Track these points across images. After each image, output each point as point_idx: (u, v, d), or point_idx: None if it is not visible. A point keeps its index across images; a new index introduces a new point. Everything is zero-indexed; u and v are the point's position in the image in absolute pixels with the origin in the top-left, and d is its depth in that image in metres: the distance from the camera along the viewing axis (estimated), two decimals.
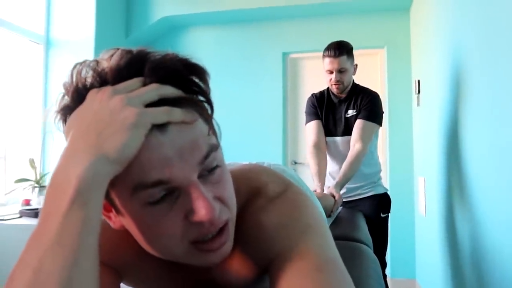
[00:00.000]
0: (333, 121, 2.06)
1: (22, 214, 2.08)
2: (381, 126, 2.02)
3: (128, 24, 3.38)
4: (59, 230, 0.37)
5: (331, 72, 1.96)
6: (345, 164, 1.90)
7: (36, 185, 2.42)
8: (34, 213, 2.04)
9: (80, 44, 2.91)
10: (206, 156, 0.45)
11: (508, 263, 1.24)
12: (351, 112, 2.00)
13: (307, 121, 2.11)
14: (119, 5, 3.27)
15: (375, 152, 2.10)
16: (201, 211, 0.43)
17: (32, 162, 2.47)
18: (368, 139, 1.94)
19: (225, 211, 0.48)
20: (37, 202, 2.34)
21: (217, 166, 0.47)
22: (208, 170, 0.46)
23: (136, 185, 0.43)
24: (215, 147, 0.47)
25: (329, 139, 2.07)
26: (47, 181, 2.53)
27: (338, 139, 2.05)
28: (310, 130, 2.07)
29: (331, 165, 2.10)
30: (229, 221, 0.49)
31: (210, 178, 0.47)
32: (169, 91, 0.44)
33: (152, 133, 0.42)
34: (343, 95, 2.03)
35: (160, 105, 0.43)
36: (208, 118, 0.47)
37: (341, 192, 2.01)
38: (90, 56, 2.87)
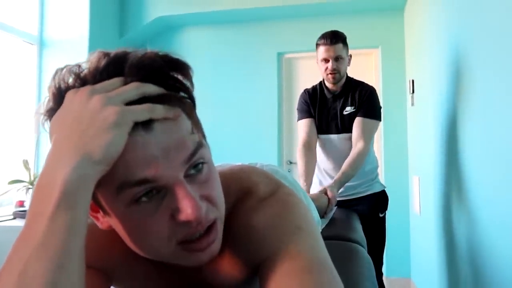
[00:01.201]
0: (327, 118, 1.98)
1: (16, 215, 2.07)
2: (381, 121, 1.97)
3: (122, 24, 3.36)
4: (45, 233, 0.37)
5: (327, 61, 1.90)
6: (346, 163, 1.83)
7: (30, 186, 2.40)
8: None
9: (74, 44, 2.89)
10: (192, 154, 0.45)
11: (503, 261, 1.25)
12: (349, 109, 1.93)
13: (299, 119, 2.06)
14: (113, 5, 3.25)
15: (371, 148, 2.03)
16: (187, 210, 0.43)
17: (25, 163, 2.45)
18: (370, 137, 1.89)
19: (213, 210, 0.47)
20: None
21: (203, 165, 0.47)
22: (195, 168, 0.46)
23: (121, 184, 0.43)
24: (201, 145, 0.47)
25: (323, 136, 2.01)
26: None
27: (334, 137, 1.98)
28: (301, 129, 2.03)
29: (326, 163, 2.04)
30: (217, 220, 0.48)
31: (197, 178, 0.46)
32: (150, 88, 0.44)
33: (137, 132, 0.42)
34: (338, 89, 1.96)
35: (142, 103, 0.43)
36: (191, 114, 0.47)
37: (340, 190, 1.97)
38: (84, 56, 2.83)
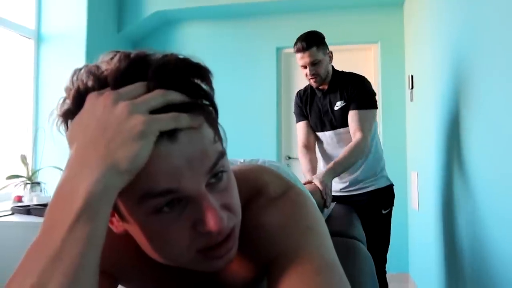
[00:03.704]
0: (320, 116, 1.97)
1: (14, 211, 2.06)
2: (377, 108, 1.91)
3: (120, 18, 3.34)
4: (62, 243, 0.37)
5: (305, 67, 1.88)
6: (342, 153, 1.79)
7: (28, 181, 2.39)
8: (26, 210, 2.02)
9: (71, 39, 2.87)
10: (215, 164, 0.45)
11: (501, 257, 1.25)
12: (339, 104, 1.89)
13: (296, 121, 2.09)
14: None
15: (376, 140, 1.98)
16: (210, 222, 0.43)
17: (23, 158, 2.45)
18: (368, 127, 1.83)
19: (232, 218, 0.47)
20: (29, 198, 2.32)
21: (223, 173, 0.47)
22: (216, 177, 0.46)
23: (144, 194, 0.42)
24: (222, 154, 0.46)
25: (320, 134, 2.00)
26: (39, 178, 2.51)
27: (330, 133, 1.96)
28: (299, 131, 2.06)
29: (329, 160, 1.99)
30: (235, 227, 0.48)
31: (217, 186, 0.46)
32: (175, 97, 0.43)
33: (161, 142, 0.41)
34: (325, 86, 1.94)
35: (165, 111, 0.42)
36: (213, 122, 0.46)
37: (342, 186, 1.95)
38: (81, 51, 2.84)
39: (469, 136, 1.54)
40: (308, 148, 1.99)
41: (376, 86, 3.26)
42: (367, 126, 1.83)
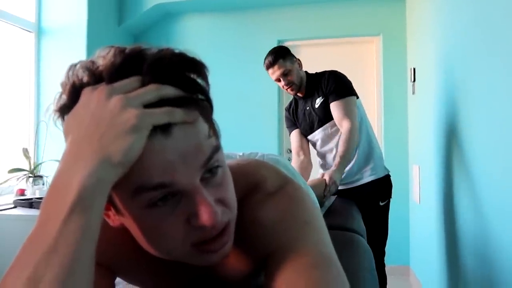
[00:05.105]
0: (306, 119, 2.05)
1: (17, 204, 2.07)
2: (356, 95, 1.95)
3: (121, 11, 3.33)
4: (57, 236, 0.37)
5: (279, 80, 1.97)
6: (340, 146, 1.84)
7: (30, 175, 2.40)
8: (29, 203, 2.03)
9: (72, 32, 2.86)
10: (209, 159, 0.45)
11: (503, 250, 1.25)
12: (319, 101, 1.97)
13: (289, 133, 2.18)
14: None
15: (363, 126, 1.99)
16: (204, 216, 0.43)
17: (25, 151, 2.45)
18: (352, 114, 1.87)
19: (227, 212, 0.47)
20: (31, 192, 2.33)
21: (218, 168, 0.47)
22: (210, 172, 0.46)
23: (138, 188, 0.42)
24: (217, 149, 0.46)
25: (311, 136, 2.06)
26: (41, 171, 2.52)
27: (319, 131, 2.01)
28: (292, 140, 2.14)
29: (323, 157, 2.07)
30: (230, 222, 0.48)
31: (212, 181, 0.46)
32: (169, 91, 0.43)
33: (155, 136, 0.41)
34: (303, 92, 2.03)
35: (159, 105, 0.42)
36: (208, 117, 0.46)
37: (342, 177, 1.96)
38: (82, 44, 2.83)
39: (471, 130, 1.54)
40: (301, 155, 2.07)
41: (378, 79, 3.26)
42: (350, 113, 1.88)
